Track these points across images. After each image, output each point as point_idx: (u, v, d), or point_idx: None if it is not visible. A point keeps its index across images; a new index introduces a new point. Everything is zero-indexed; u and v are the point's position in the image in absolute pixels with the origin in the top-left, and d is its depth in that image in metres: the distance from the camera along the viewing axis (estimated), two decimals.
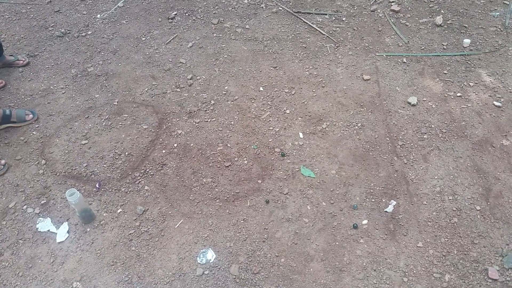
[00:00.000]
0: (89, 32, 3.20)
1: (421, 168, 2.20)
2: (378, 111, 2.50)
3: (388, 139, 2.34)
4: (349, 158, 2.25)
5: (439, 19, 3.03)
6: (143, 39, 3.12)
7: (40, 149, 2.38)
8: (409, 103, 2.51)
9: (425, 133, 2.36)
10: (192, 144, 2.38)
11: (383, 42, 2.93)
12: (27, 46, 3.06)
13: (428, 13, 3.16)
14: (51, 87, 2.76)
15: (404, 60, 2.80)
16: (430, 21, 3.10)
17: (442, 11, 3.18)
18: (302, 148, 2.32)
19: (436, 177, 2.16)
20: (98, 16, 3.37)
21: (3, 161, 2.28)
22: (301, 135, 2.38)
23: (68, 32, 3.20)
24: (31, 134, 2.47)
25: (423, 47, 2.90)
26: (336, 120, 2.46)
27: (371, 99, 2.57)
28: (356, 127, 2.42)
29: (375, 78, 2.69)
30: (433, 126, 2.40)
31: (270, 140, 2.38)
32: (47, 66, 2.91)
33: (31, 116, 2.53)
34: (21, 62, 2.89)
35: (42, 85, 2.77)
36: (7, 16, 3.37)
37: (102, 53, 3.01)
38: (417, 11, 3.14)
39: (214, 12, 3.32)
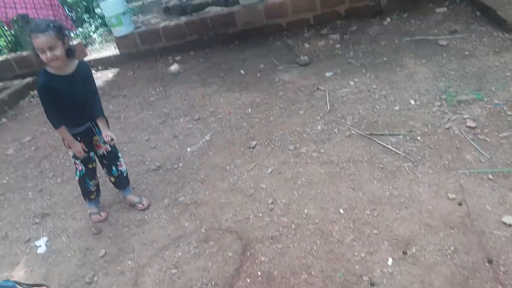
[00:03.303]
0: (180, 164, 3.56)
1: None
2: (470, 233, 2.36)
3: (487, 264, 2.16)
4: (446, 287, 2.09)
5: None
6: (228, 168, 3.40)
7: (134, 279, 2.52)
8: (505, 223, 2.35)
9: None
10: (275, 272, 2.38)
11: (463, 159, 2.89)
12: None
13: (508, 126, 3.10)
14: (146, 217, 3.02)
15: (490, 177, 2.70)
16: None
17: None
18: (392, 276, 2.21)
19: None
20: (188, 149, 3.78)
21: None
22: (390, 261, 2.29)
23: (162, 165, 3.60)
24: (127, 263, 2.65)
25: (509, 162, 2.79)
26: (426, 243, 2.35)
27: (460, 219, 2.46)
28: (449, 251, 2.28)
29: (461, 197, 2.60)
30: None
31: (356, 267, 2.31)
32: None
33: None
34: (141, 206, 3.12)
35: (138, 215, 3.05)
36: None
37: (192, 183, 3.30)
38: (495, 126, 3.10)
39: (290, 139, 3.57)
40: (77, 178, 3.03)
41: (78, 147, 2.78)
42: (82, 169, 2.96)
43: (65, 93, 2.64)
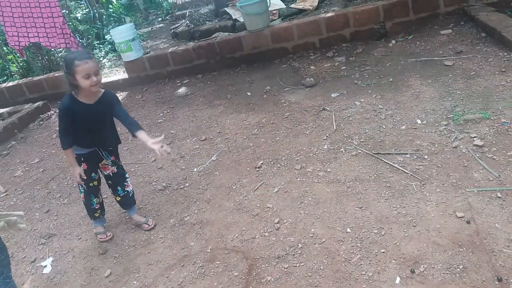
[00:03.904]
0: (187, 184, 3.57)
1: None
2: (479, 251, 2.31)
3: (497, 283, 2.11)
4: None
5: None
6: (234, 187, 3.39)
7: None
8: None
9: None
10: None
11: (471, 178, 2.86)
12: None
13: None
14: (152, 237, 3.01)
15: (499, 195, 2.66)
16: None
17: None
18: None
19: None
20: (195, 169, 3.79)
21: None
22: (398, 280, 2.25)
23: (168, 185, 3.61)
24: (132, 283, 2.63)
25: None
26: (434, 262, 2.31)
27: (469, 238, 2.41)
28: (458, 269, 2.23)
29: (469, 215, 2.56)
30: None
31: (364, 286, 2.26)
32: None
33: None
34: (147, 226, 3.12)
35: (144, 235, 3.04)
36: None
37: (198, 203, 3.29)
38: (503, 144, 3.08)
39: (296, 159, 3.57)
40: (81, 195, 3.09)
41: (76, 172, 2.87)
42: (84, 187, 3.03)
43: (84, 119, 2.77)
